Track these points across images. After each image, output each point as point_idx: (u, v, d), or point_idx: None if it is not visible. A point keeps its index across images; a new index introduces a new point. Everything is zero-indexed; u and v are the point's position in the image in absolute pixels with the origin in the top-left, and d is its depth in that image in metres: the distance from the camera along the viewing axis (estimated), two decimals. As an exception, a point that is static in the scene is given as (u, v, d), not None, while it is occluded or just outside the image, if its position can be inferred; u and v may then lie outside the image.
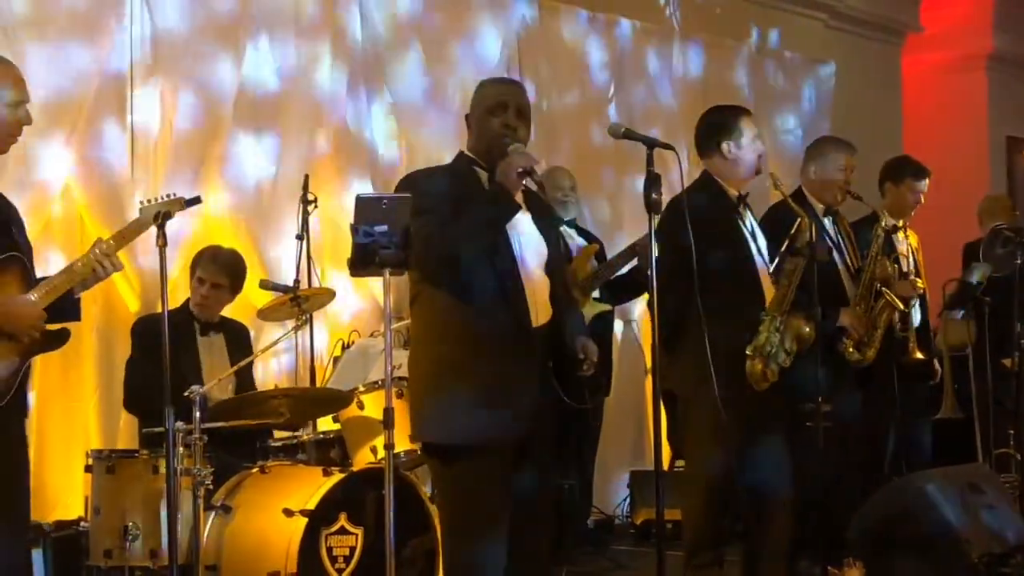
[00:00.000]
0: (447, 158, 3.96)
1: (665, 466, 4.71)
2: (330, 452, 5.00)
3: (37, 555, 4.80)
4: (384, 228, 3.47)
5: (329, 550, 4.53)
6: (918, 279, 5.58)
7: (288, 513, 4.50)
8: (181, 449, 4.39)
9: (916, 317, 5.72)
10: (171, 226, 4.03)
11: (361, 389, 4.92)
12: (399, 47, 6.95)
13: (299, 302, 5.20)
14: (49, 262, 5.10)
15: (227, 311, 5.61)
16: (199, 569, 4.43)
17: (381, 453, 4.63)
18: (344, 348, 5.65)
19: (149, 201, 4.01)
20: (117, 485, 4.61)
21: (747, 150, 4.62)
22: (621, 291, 5.72)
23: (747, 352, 4.41)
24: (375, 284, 6.17)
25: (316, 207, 5.86)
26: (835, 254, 5.19)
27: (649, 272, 3.76)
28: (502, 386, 3.60)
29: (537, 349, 3.68)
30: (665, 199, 3.74)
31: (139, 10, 5.90)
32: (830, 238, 5.20)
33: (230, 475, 4.79)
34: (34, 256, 3.87)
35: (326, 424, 5.26)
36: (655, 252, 3.75)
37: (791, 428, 4.60)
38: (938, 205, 6.11)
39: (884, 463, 5.61)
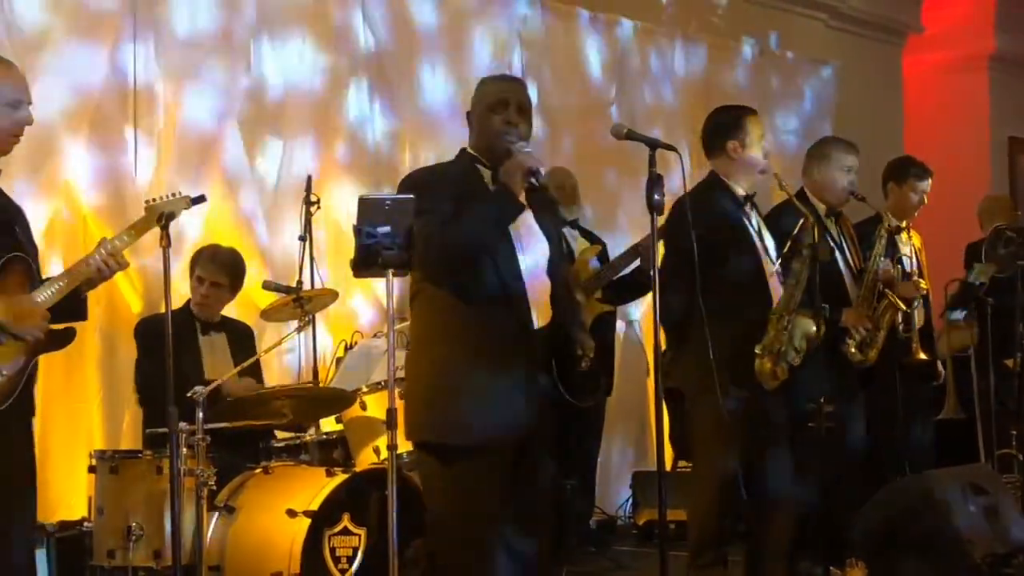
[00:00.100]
0: (449, 158, 3.96)
1: (668, 467, 4.73)
2: (333, 453, 5.00)
3: (40, 555, 4.80)
4: (387, 229, 3.47)
5: (332, 551, 4.54)
6: (921, 280, 5.58)
7: (291, 514, 4.50)
8: (184, 450, 4.39)
9: (919, 317, 5.72)
10: (173, 227, 4.03)
11: (364, 390, 4.93)
12: (402, 48, 6.96)
13: (302, 303, 5.20)
14: (52, 263, 5.11)
15: (231, 312, 5.61)
16: (202, 569, 4.43)
17: (384, 454, 4.62)
18: (347, 349, 5.65)
19: (155, 200, 4.01)
20: (120, 485, 4.61)
21: (753, 150, 4.63)
22: (623, 292, 5.70)
23: (756, 351, 4.42)
24: (378, 285, 6.17)
25: (319, 208, 5.87)
26: (837, 255, 5.20)
27: (652, 272, 3.77)
28: (502, 386, 3.60)
29: (538, 350, 3.67)
30: (667, 200, 3.74)
31: (146, 12, 5.91)
32: (832, 239, 5.20)
33: (233, 476, 4.80)
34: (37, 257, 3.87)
35: (329, 425, 5.26)
36: (658, 252, 3.76)
37: (793, 428, 4.60)
38: (939, 205, 6.11)
39: (886, 463, 5.61)
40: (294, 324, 5.34)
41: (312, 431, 5.15)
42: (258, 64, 6.34)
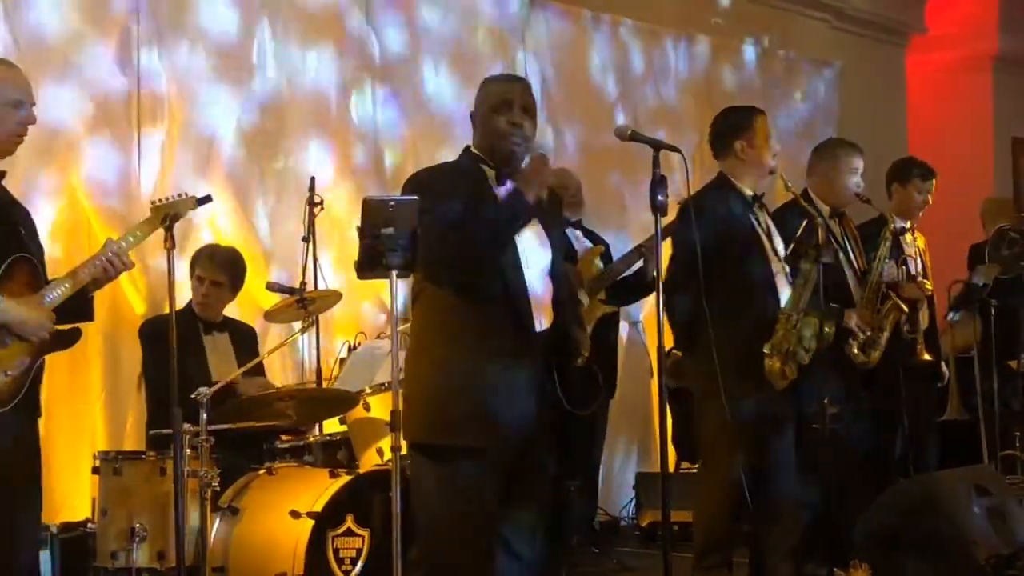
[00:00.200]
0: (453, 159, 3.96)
1: (671, 468, 4.72)
2: (337, 454, 5.00)
3: (44, 556, 4.80)
4: (391, 230, 3.46)
5: (336, 552, 4.54)
6: (926, 281, 5.57)
7: (295, 515, 4.50)
8: (188, 451, 4.39)
9: (924, 319, 5.71)
10: (177, 229, 4.03)
11: (368, 391, 4.93)
12: (406, 48, 6.96)
13: (305, 304, 5.20)
14: (53, 265, 5.11)
15: (234, 313, 5.61)
16: (206, 571, 4.43)
17: (388, 455, 4.64)
18: (350, 350, 5.66)
19: (161, 200, 4.02)
20: (124, 487, 4.61)
21: (762, 150, 4.63)
22: (626, 292, 5.72)
23: (765, 351, 4.42)
24: (381, 286, 6.17)
25: (322, 209, 5.87)
26: (841, 256, 5.19)
27: (655, 273, 3.77)
28: (502, 388, 3.59)
29: (538, 352, 3.66)
30: (670, 200, 3.75)
31: (146, 13, 5.92)
32: (836, 240, 5.20)
33: (237, 477, 4.79)
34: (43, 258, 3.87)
35: (333, 426, 5.27)
36: (662, 253, 3.76)
37: (798, 430, 4.60)
38: (942, 206, 6.10)
39: (891, 465, 5.60)
40: (297, 325, 5.33)
41: (316, 432, 5.15)
42: (263, 66, 6.33)
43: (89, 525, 4.91)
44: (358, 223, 3.53)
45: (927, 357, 5.55)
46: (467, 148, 3.80)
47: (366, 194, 4.17)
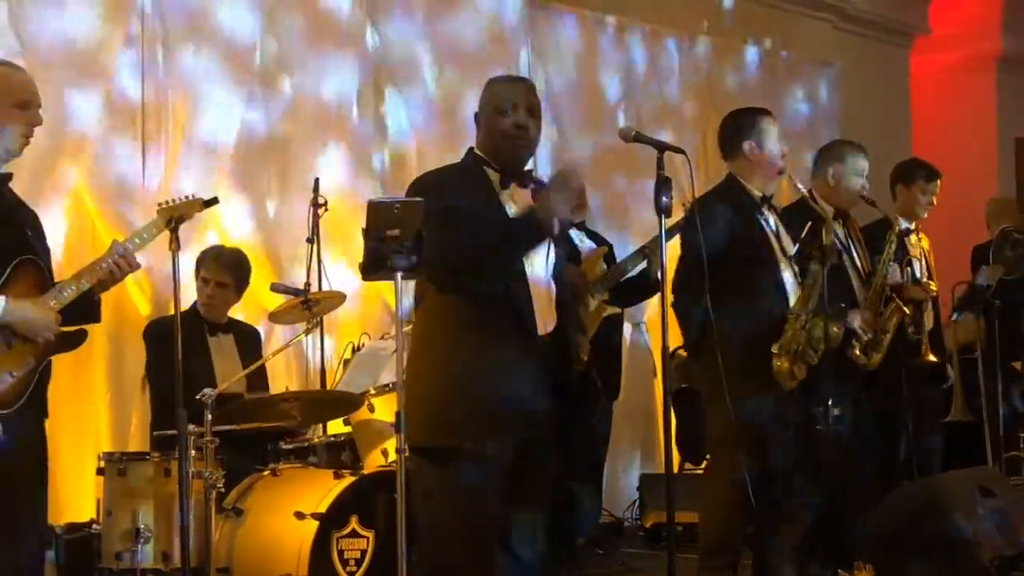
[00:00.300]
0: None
1: (675, 469, 4.72)
2: (341, 455, 5.00)
3: (49, 557, 4.81)
4: (396, 232, 3.46)
5: (340, 553, 4.54)
6: (931, 282, 5.57)
7: (299, 516, 4.51)
8: (193, 452, 4.40)
9: (929, 320, 5.71)
10: (182, 231, 4.04)
11: (372, 392, 4.93)
12: (410, 51, 6.97)
13: (310, 305, 5.20)
14: (61, 267, 5.12)
15: (239, 314, 5.62)
16: (211, 571, 4.45)
17: (392, 456, 4.65)
18: (354, 351, 5.66)
19: (167, 202, 4.02)
20: (129, 488, 4.62)
21: (769, 151, 4.64)
22: (630, 294, 5.71)
23: (773, 351, 4.42)
24: (386, 287, 6.18)
25: (326, 210, 5.87)
26: (845, 257, 5.19)
27: (659, 275, 3.77)
28: (503, 390, 3.58)
29: (540, 355, 3.65)
30: (675, 202, 3.75)
31: (154, 17, 5.93)
32: (840, 241, 5.19)
33: (241, 478, 4.80)
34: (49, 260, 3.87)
35: (337, 427, 5.27)
36: (666, 254, 3.76)
37: (802, 431, 4.60)
38: (946, 207, 6.10)
39: (895, 466, 5.60)
40: (302, 326, 5.34)
41: (320, 433, 5.15)
42: (268, 69, 6.34)
43: (94, 526, 4.92)
44: (363, 225, 3.53)
45: (932, 358, 5.55)
46: (471, 150, 3.78)
47: (371, 196, 4.17)
